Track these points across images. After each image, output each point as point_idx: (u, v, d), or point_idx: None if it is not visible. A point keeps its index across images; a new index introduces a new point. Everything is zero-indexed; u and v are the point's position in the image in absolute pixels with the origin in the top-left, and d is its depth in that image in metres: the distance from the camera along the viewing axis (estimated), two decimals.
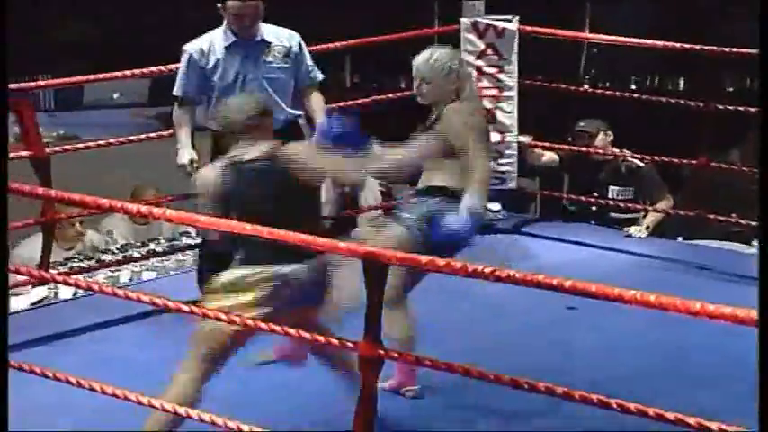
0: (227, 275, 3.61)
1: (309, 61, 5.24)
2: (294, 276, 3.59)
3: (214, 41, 5.07)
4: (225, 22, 5.07)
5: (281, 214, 3.57)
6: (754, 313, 2.56)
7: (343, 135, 4.05)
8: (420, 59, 4.30)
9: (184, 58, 5.08)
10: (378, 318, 3.21)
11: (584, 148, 6.57)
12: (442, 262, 3.02)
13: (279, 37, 5.13)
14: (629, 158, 6.54)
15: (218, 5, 5.05)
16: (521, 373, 3.15)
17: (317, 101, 5.22)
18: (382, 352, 3.23)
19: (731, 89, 9.71)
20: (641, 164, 6.50)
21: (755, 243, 6.43)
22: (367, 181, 6.80)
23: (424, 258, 3.05)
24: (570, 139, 6.77)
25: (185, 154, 5.01)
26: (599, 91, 7.29)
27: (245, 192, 3.63)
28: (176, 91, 5.14)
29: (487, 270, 2.94)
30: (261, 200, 3.61)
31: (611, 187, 6.55)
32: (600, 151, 6.56)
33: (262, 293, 3.57)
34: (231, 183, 3.63)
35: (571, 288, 2.87)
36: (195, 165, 4.96)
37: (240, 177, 3.63)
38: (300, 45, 5.19)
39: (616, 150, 6.60)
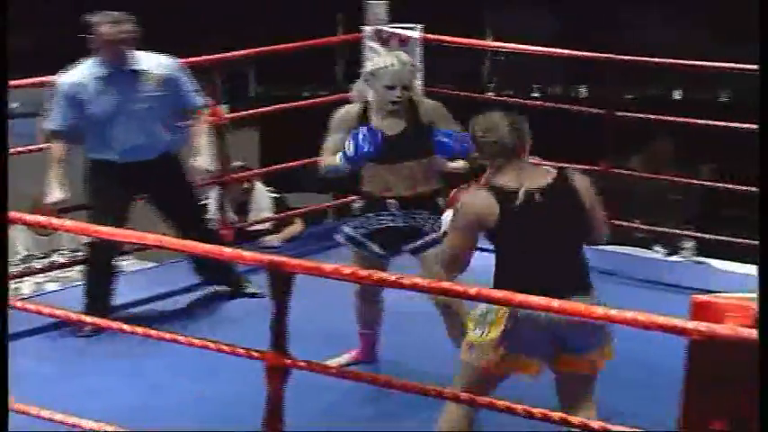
0: (483, 305, 3.42)
1: (190, 86, 5.14)
2: (541, 316, 3.29)
3: (87, 72, 4.94)
4: (97, 51, 4.93)
5: (560, 244, 3.42)
6: (659, 318, 2.62)
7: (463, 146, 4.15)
8: (399, 65, 4.35)
9: (57, 91, 4.94)
10: (283, 327, 3.21)
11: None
12: (347, 270, 3.04)
13: (154, 64, 5.00)
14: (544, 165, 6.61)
15: (88, 34, 4.88)
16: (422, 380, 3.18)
17: (199, 127, 5.15)
18: (289, 361, 3.23)
19: (632, 96, 9.89)
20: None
21: (657, 248, 6.57)
22: (257, 188, 6.79)
23: (328, 267, 3.06)
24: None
25: (55, 193, 4.89)
26: (502, 99, 7.38)
27: (526, 222, 3.40)
28: (49, 125, 5.00)
29: (392, 278, 2.96)
30: (543, 230, 3.42)
31: None
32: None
33: (499, 332, 3.40)
34: (511, 212, 3.41)
35: (477, 295, 2.90)
36: (64, 204, 4.87)
37: (525, 207, 3.41)
38: (178, 71, 5.10)
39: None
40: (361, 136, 4.22)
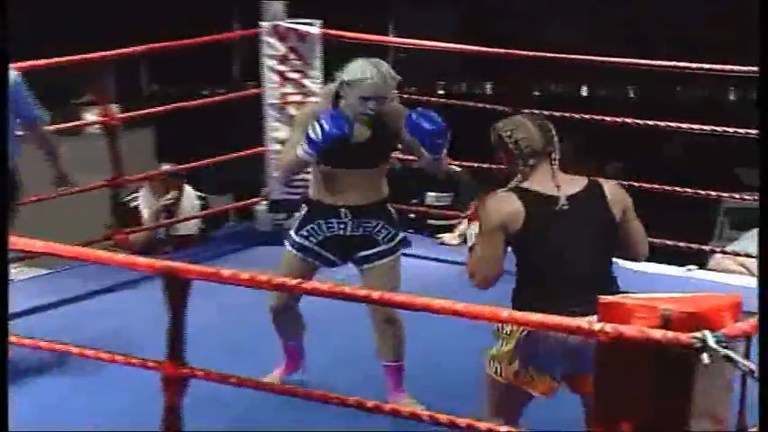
0: None
1: (30, 99, 5.01)
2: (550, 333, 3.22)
3: None
4: None
5: (585, 256, 3.35)
6: (565, 320, 2.65)
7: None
8: (378, 77, 4.19)
9: None
10: (180, 336, 3.18)
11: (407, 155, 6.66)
12: (245, 275, 3.02)
13: None
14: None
15: None
16: (329, 390, 3.18)
17: (43, 140, 5.01)
18: (187, 371, 3.21)
19: (539, 93, 10.02)
20: (458, 168, 6.61)
21: None
22: (186, 192, 6.74)
23: (226, 272, 3.05)
24: None
25: None
26: (405, 95, 7.40)
27: (551, 230, 3.34)
28: None
29: (293, 283, 2.96)
30: (575, 238, 3.35)
31: (428, 193, 6.66)
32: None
33: (512, 346, 3.35)
34: (541, 218, 3.35)
35: (379, 299, 2.92)
36: None
37: (552, 214, 3.35)
38: (16, 83, 4.94)
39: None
40: (328, 119, 4.08)
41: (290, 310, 4.45)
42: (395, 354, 4.40)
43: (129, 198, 6.68)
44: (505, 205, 3.35)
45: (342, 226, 4.32)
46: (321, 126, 4.09)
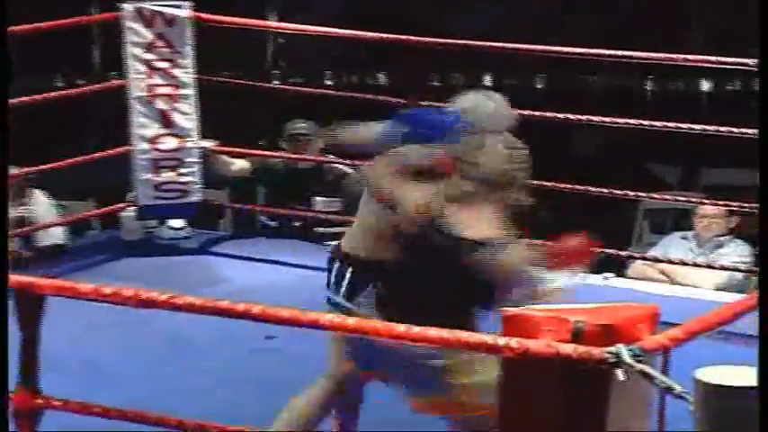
0: None
1: None
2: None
3: None
4: None
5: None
6: (464, 335, 2.69)
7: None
8: (491, 109, 3.94)
9: None
10: (34, 360, 3.15)
11: (294, 155, 6.65)
12: (108, 290, 3.00)
13: None
14: (335, 165, 6.66)
15: None
16: (206, 417, 3.18)
17: None
18: (41, 401, 3.18)
19: (438, 84, 10.09)
20: (349, 170, 6.62)
21: None
22: (36, 197, 6.62)
23: (85, 287, 3.02)
24: (283, 143, 6.80)
25: None
26: (290, 87, 7.43)
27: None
28: None
29: (163, 298, 2.94)
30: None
31: (316, 198, 6.67)
32: (308, 158, 6.66)
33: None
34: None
35: (260, 315, 2.92)
36: None
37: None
38: None
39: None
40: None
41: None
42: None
43: None
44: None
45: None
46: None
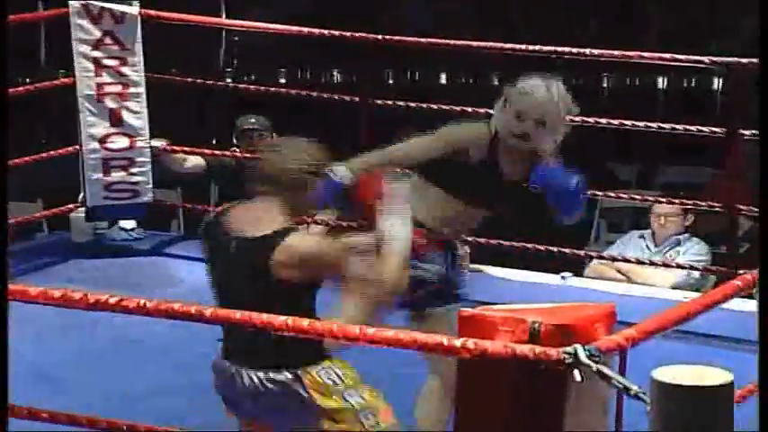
0: None
1: None
2: None
3: None
4: None
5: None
6: (420, 336, 2.69)
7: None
8: (543, 96, 3.95)
9: None
10: None
11: (248, 152, 6.61)
12: (56, 293, 2.98)
13: None
14: None
15: None
16: (158, 422, 3.17)
17: None
18: None
19: (392, 81, 10.11)
20: None
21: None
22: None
23: (33, 290, 3.00)
24: (235, 139, 6.77)
25: None
26: (242, 86, 7.41)
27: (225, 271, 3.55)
28: None
29: (113, 300, 2.93)
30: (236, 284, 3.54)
31: None
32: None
33: None
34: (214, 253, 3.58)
35: (213, 317, 2.92)
36: None
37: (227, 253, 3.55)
38: None
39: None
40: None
41: None
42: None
43: None
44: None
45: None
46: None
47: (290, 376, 3.40)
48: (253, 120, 6.69)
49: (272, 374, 3.40)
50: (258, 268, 3.34)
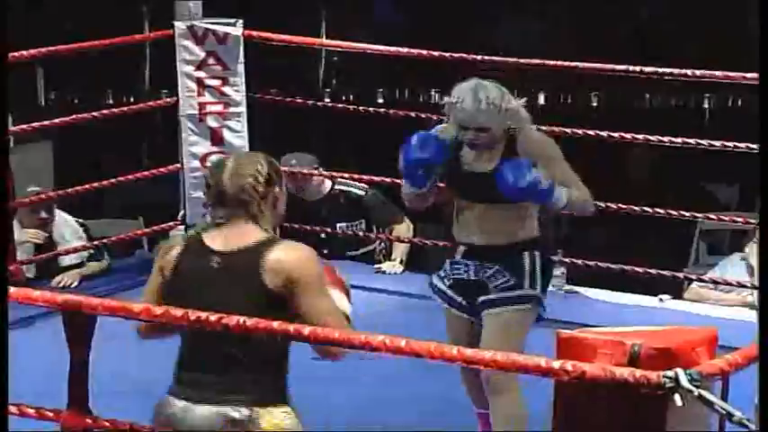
0: None
1: None
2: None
3: None
4: None
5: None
6: (519, 358, 2.67)
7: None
8: (471, 105, 4.09)
9: None
10: (83, 380, 3.17)
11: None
12: (158, 310, 3.02)
13: None
14: (347, 189, 6.67)
15: None
16: None
17: None
18: (90, 421, 3.20)
19: None
20: (362, 192, 6.64)
21: None
22: (59, 218, 6.62)
23: (137, 306, 3.04)
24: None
25: None
26: (341, 105, 7.44)
27: (204, 291, 3.29)
28: None
29: (213, 318, 2.95)
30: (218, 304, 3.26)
31: (338, 224, 6.65)
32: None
33: None
34: (188, 273, 3.34)
35: (312, 336, 2.92)
36: None
37: (204, 271, 3.33)
38: None
39: (328, 183, 6.71)
40: (415, 140, 4.10)
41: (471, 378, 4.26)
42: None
43: None
44: (167, 249, 3.35)
45: (464, 268, 4.23)
46: (405, 149, 4.10)
47: (246, 414, 3.15)
48: (294, 161, 6.62)
49: (227, 410, 3.15)
50: (246, 278, 3.19)
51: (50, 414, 3.24)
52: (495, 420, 4.14)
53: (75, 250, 6.53)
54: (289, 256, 3.20)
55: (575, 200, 4.09)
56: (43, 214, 6.48)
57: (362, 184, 6.68)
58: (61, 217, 6.61)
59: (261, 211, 3.27)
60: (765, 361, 2.51)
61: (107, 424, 3.20)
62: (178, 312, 3.00)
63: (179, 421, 3.17)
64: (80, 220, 6.73)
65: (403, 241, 6.62)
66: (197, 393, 3.18)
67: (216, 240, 3.25)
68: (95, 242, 6.64)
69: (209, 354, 3.15)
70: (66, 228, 6.59)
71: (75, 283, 6.41)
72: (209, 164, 3.47)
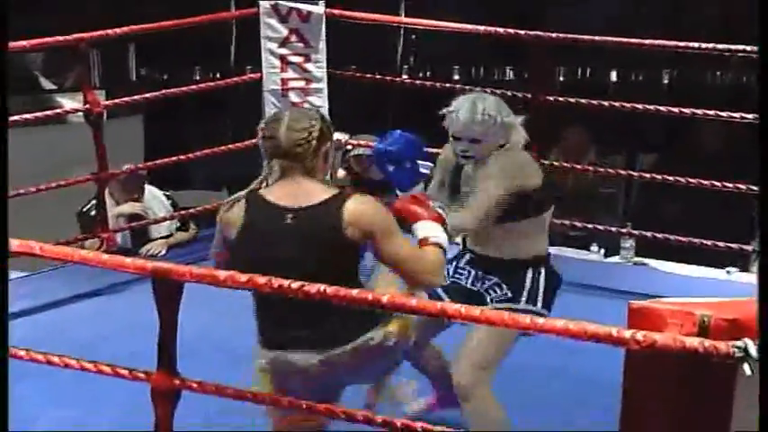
0: None
1: None
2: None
3: None
4: None
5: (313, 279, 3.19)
6: (590, 327, 2.66)
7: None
8: (467, 117, 3.99)
9: None
10: (172, 344, 3.20)
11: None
12: (243, 277, 3.03)
13: None
14: None
15: None
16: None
17: None
18: (178, 382, 3.23)
19: (564, 78, 10.01)
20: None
21: (594, 248, 6.65)
22: (148, 193, 6.67)
23: (222, 274, 3.06)
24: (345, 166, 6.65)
25: None
26: (418, 81, 7.42)
27: (279, 246, 3.36)
28: None
29: (295, 286, 2.97)
30: (293, 258, 3.37)
31: None
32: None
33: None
34: (259, 231, 3.43)
35: (389, 304, 2.93)
36: None
37: (278, 228, 3.42)
38: None
39: None
40: (393, 135, 3.97)
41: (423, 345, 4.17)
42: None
43: (88, 206, 6.54)
44: (230, 206, 3.44)
45: (466, 274, 4.16)
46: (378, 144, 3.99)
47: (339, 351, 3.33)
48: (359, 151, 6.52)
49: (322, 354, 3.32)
50: (325, 232, 3.27)
51: (142, 375, 3.28)
52: (472, 428, 3.98)
53: (164, 220, 6.61)
54: (364, 209, 3.29)
55: (453, 223, 3.72)
56: (135, 194, 6.56)
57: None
58: (150, 192, 6.68)
59: (314, 165, 3.36)
60: (765, 360, 2.48)
61: (194, 385, 3.23)
62: (261, 280, 3.02)
63: (278, 367, 3.36)
64: (167, 193, 6.80)
65: None
66: (290, 342, 3.33)
67: (281, 197, 3.34)
68: (182, 213, 6.71)
69: (294, 305, 3.15)
70: (155, 201, 6.67)
71: (163, 252, 6.50)
72: (264, 121, 3.45)
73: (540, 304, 4.02)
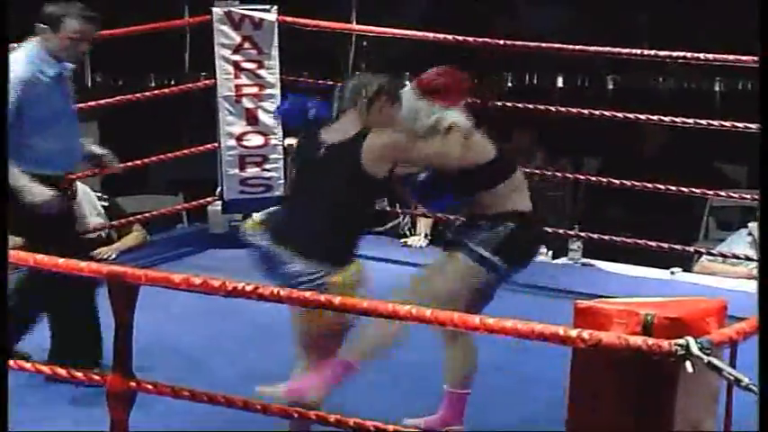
0: None
1: None
2: None
3: (38, 67, 4.54)
4: (43, 42, 4.57)
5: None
6: (538, 326, 2.66)
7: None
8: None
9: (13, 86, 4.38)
10: (128, 345, 3.18)
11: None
12: (198, 280, 3.03)
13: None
14: None
15: (42, 24, 4.56)
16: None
17: None
18: (134, 384, 3.21)
19: (512, 84, 10.06)
20: None
21: (543, 250, 6.65)
22: (80, 191, 6.56)
23: (177, 277, 3.05)
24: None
25: None
26: None
27: (309, 175, 3.96)
28: None
29: (249, 288, 2.96)
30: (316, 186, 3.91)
31: None
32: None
33: None
34: (301, 161, 4.05)
35: (341, 305, 2.93)
36: None
37: (312, 159, 3.96)
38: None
39: None
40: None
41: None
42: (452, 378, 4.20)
43: None
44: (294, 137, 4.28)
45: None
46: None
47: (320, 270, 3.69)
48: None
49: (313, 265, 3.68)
50: (346, 166, 3.76)
51: (97, 378, 3.26)
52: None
53: (112, 227, 6.48)
54: (378, 140, 3.78)
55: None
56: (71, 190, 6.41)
57: None
58: (82, 190, 6.52)
59: (367, 111, 3.85)
60: (765, 359, 2.51)
61: (149, 387, 3.21)
62: (216, 283, 3.01)
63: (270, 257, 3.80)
64: (105, 196, 6.59)
65: (428, 216, 6.62)
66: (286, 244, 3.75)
67: (328, 133, 3.87)
68: (130, 219, 6.59)
69: (301, 218, 3.78)
70: (85, 200, 6.45)
71: (114, 256, 6.37)
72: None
73: (490, 252, 4.05)
